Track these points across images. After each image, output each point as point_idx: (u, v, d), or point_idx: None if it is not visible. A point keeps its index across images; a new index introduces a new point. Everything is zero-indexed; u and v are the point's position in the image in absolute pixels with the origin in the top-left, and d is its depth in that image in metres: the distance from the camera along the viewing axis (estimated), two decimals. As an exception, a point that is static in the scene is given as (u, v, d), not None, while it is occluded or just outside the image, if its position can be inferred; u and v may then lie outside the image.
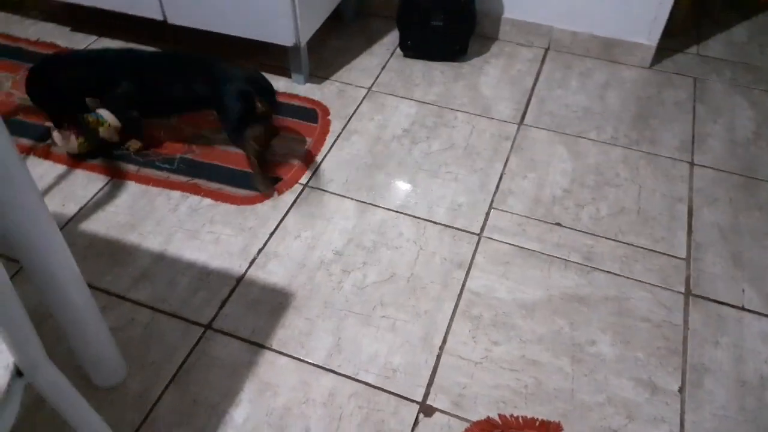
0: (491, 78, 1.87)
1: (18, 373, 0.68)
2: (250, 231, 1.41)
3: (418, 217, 1.45)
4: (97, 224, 1.42)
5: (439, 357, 1.18)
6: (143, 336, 1.21)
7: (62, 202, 1.47)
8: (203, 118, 1.68)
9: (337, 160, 1.60)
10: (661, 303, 1.28)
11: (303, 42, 1.71)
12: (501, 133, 1.68)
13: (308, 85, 1.82)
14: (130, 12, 1.80)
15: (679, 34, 2.02)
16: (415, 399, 1.12)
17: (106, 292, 1.28)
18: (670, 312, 1.26)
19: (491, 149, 1.63)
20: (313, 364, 1.17)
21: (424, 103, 1.78)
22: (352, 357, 1.18)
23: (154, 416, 1.09)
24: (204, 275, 1.32)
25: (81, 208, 1.46)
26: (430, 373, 1.16)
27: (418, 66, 1.91)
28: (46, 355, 0.71)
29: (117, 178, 1.53)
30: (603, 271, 1.34)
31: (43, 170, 1.54)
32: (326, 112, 1.74)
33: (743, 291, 1.31)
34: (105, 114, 1.55)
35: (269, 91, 1.50)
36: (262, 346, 1.20)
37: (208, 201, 1.48)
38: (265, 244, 1.39)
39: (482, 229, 1.43)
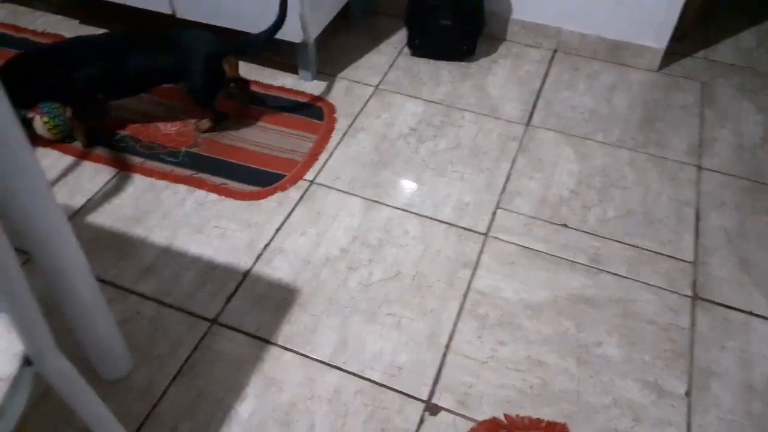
0: (499, 78, 1.86)
1: (27, 361, 0.68)
2: (256, 226, 1.41)
3: (424, 216, 1.45)
4: (104, 217, 1.42)
5: (444, 356, 1.18)
6: (149, 329, 1.21)
7: (69, 194, 1.47)
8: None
9: (343, 157, 1.59)
10: (667, 306, 1.28)
11: (311, 39, 1.71)
12: (508, 134, 1.68)
13: (315, 82, 1.82)
14: (139, 5, 1.80)
15: (688, 38, 2.01)
16: (420, 397, 1.12)
17: (112, 285, 1.28)
18: (677, 315, 1.26)
19: (498, 149, 1.63)
20: (319, 361, 1.17)
21: (431, 102, 1.77)
22: (357, 354, 1.18)
23: (159, 410, 1.09)
24: (210, 270, 1.32)
25: (88, 201, 1.46)
26: (435, 371, 1.16)
27: (426, 65, 1.90)
28: (55, 344, 0.70)
29: (123, 171, 1.53)
30: (609, 273, 1.34)
31: (50, 162, 1.54)
32: (332, 109, 1.74)
33: (750, 295, 1.30)
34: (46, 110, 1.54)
35: (234, 50, 1.56)
36: (268, 342, 1.20)
37: (214, 196, 1.47)
38: (270, 240, 1.38)
39: (488, 228, 1.42)
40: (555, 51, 1.98)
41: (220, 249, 1.36)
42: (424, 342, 1.20)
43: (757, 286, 1.32)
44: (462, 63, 1.91)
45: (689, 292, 1.31)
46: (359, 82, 1.83)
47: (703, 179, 1.56)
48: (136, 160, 1.56)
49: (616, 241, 1.40)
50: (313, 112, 1.72)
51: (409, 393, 1.12)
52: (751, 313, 1.27)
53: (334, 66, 1.88)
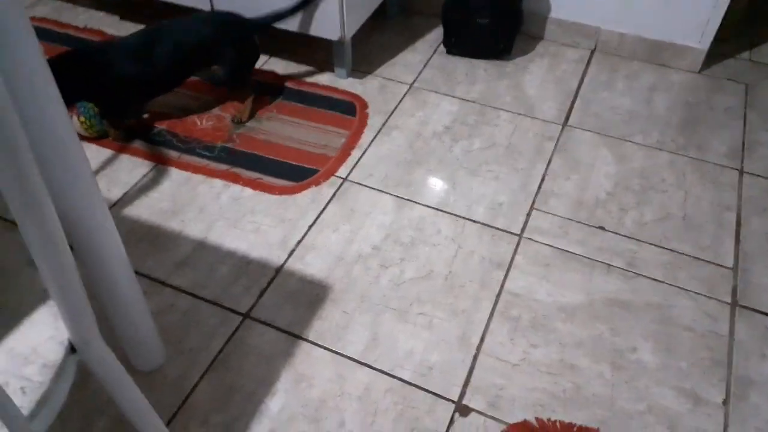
0: (535, 78, 1.84)
1: (72, 349, 0.69)
2: (289, 222, 1.42)
3: (457, 215, 1.44)
4: (140, 209, 1.44)
5: (475, 357, 1.17)
6: (182, 322, 1.22)
7: (107, 187, 1.49)
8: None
9: (377, 154, 1.59)
10: (705, 312, 1.25)
11: (348, 36, 1.71)
12: (544, 134, 1.65)
13: (350, 79, 1.82)
14: (178, 2, 1.82)
15: (731, 38, 1.96)
16: (450, 398, 1.11)
17: (148, 277, 1.30)
18: (715, 322, 1.23)
19: (534, 149, 1.61)
20: (350, 358, 1.17)
21: (466, 100, 1.76)
22: (388, 352, 1.18)
23: (190, 402, 1.10)
24: (244, 264, 1.33)
25: (125, 193, 1.48)
26: (466, 372, 1.15)
27: (461, 63, 1.89)
28: (98, 332, 0.72)
29: (160, 164, 1.55)
30: (646, 277, 1.31)
31: (89, 155, 1.57)
32: (366, 106, 1.74)
33: (793, 304, 1.27)
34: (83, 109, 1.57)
35: (268, 21, 1.62)
36: (299, 337, 1.20)
37: (248, 190, 1.49)
38: (303, 236, 1.39)
39: (523, 229, 1.41)
40: (593, 51, 1.94)
41: (254, 243, 1.37)
42: (455, 342, 1.19)
43: (801, 295, 1.28)
44: (498, 62, 1.90)
45: (729, 299, 1.27)
46: (394, 80, 1.83)
47: (745, 183, 1.52)
48: (173, 154, 1.58)
49: (654, 245, 1.37)
50: (347, 109, 1.72)
51: (440, 393, 1.12)
52: (794, 323, 1.23)
53: (370, 64, 1.88)
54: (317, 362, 1.16)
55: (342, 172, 1.54)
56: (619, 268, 1.33)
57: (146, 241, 1.38)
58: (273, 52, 1.90)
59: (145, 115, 1.68)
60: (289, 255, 1.35)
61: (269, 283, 1.30)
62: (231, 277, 1.31)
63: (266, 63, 1.87)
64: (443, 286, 1.29)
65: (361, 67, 1.87)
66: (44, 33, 1.97)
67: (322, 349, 1.18)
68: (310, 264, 1.34)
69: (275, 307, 1.25)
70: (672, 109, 1.74)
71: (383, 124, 1.68)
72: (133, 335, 1.09)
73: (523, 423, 1.08)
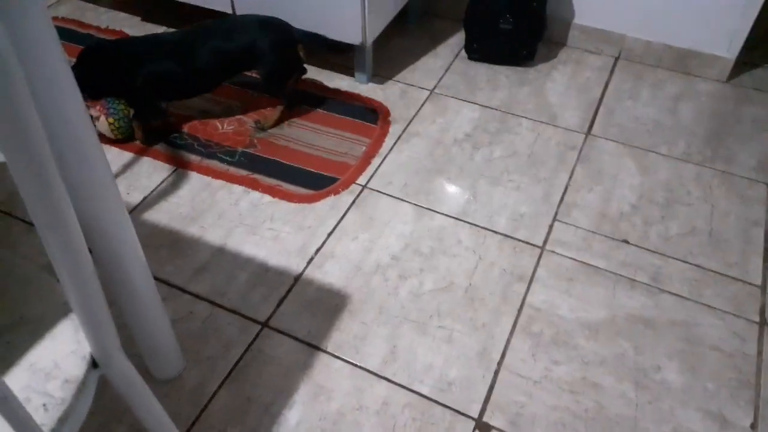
0: (558, 85, 1.81)
1: (93, 364, 0.68)
2: (308, 230, 1.41)
3: (478, 226, 1.42)
4: (160, 214, 1.44)
5: (496, 373, 1.15)
6: (201, 330, 1.22)
7: (127, 191, 1.49)
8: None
9: (396, 162, 1.58)
10: (733, 331, 1.22)
11: (369, 41, 1.69)
12: (567, 143, 1.63)
13: (371, 84, 1.81)
14: (200, 4, 1.82)
15: (759, 47, 1.92)
16: (470, 415, 1.09)
17: (166, 283, 1.30)
18: (743, 342, 1.20)
19: (556, 159, 1.58)
20: (368, 371, 1.16)
21: (487, 107, 1.74)
22: (407, 366, 1.16)
23: (208, 412, 1.10)
24: (263, 272, 1.32)
25: (145, 198, 1.48)
26: (487, 388, 1.13)
27: (483, 69, 1.87)
28: (120, 346, 0.71)
29: (181, 168, 1.55)
30: (671, 293, 1.28)
31: (110, 158, 1.57)
32: (387, 113, 1.72)
33: (823, 325, 1.23)
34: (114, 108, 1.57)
35: (311, 37, 1.61)
36: (318, 348, 1.19)
37: (268, 197, 1.48)
38: (322, 244, 1.38)
39: (545, 241, 1.39)
40: (617, 58, 1.91)
41: (273, 251, 1.36)
42: (475, 357, 1.18)
43: (832, 316, 1.25)
44: (520, 68, 1.87)
45: (757, 318, 1.24)
46: (415, 86, 1.81)
47: (773, 198, 1.49)
48: (194, 158, 1.58)
49: (679, 260, 1.35)
50: (368, 116, 1.71)
51: (460, 409, 1.10)
52: (824, 344, 1.20)
53: (390, 69, 1.87)
54: (335, 374, 1.15)
55: (362, 179, 1.53)
56: (643, 283, 1.30)
57: (166, 246, 1.37)
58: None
59: (171, 118, 1.67)
60: (308, 263, 1.34)
61: (288, 292, 1.29)
62: (249, 285, 1.30)
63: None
64: (463, 298, 1.28)
65: (382, 72, 1.85)
66: (66, 33, 1.98)
67: (340, 361, 1.17)
68: (329, 273, 1.33)
69: (294, 317, 1.24)
70: (698, 119, 1.70)
71: (403, 131, 1.66)
72: (152, 343, 1.09)
73: (544, 442, 1.06)
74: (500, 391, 1.13)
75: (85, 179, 0.79)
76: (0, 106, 0.45)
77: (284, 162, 1.56)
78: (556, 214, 1.45)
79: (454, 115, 1.71)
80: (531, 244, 1.38)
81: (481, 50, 1.87)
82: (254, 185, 1.51)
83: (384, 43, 1.93)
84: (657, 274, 1.32)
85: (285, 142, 1.62)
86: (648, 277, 1.31)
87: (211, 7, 1.80)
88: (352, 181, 1.53)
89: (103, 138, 1.61)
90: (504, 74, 1.85)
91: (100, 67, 1.48)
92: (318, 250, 1.37)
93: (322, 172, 1.54)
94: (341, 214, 1.44)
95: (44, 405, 0.63)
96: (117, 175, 1.53)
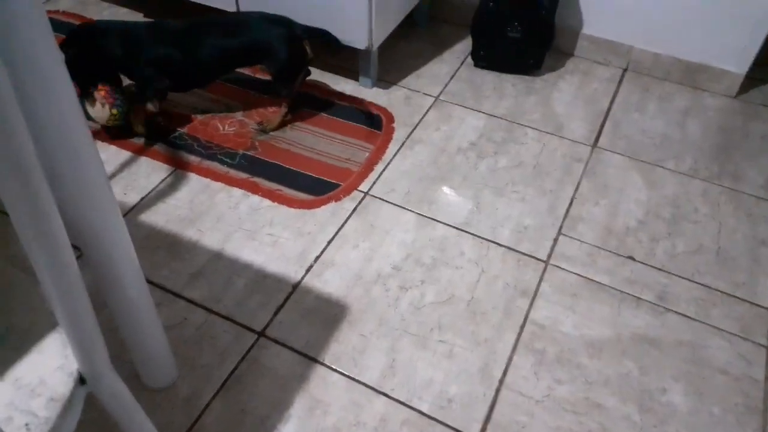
0: (565, 95, 1.79)
1: (81, 380, 0.65)
2: (308, 236, 1.38)
3: (481, 237, 1.39)
4: (157, 216, 1.41)
5: (498, 391, 1.12)
6: (195, 337, 1.19)
7: (124, 191, 1.46)
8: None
9: (399, 169, 1.55)
10: (740, 354, 1.19)
11: (375, 46, 1.66)
12: (573, 155, 1.60)
13: (375, 89, 1.78)
14: (204, 2, 1.79)
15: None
16: (470, 433, 1.07)
17: (161, 288, 1.27)
18: (751, 365, 1.17)
19: (562, 170, 1.56)
20: (366, 385, 1.13)
21: (493, 116, 1.71)
22: (406, 381, 1.13)
23: (201, 423, 1.06)
24: (260, 278, 1.29)
25: (142, 198, 1.45)
26: (487, 407, 1.10)
27: (489, 77, 1.84)
28: (110, 364, 0.68)
29: (180, 169, 1.52)
30: (677, 313, 1.26)
31: (107, 156, 1.54)
32: (391, 119, 1.69)
33: (832, 350, 1.21)
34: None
35: (316, 33, 1.57)
36: (315, 360, 1.16)
37: (267, 202, 1.45)
38: (322, 252, 1.35)
39: (549, 255, 1.36)
40: (625, 69, 1.89)
41: (272, 257, 1.33)
42: (476, 374, 1.15)
43: (841, 341, 1.22)
44: (527, 77, 1.85)
45: (764, 341, 1.22)
46: (419, 92, 1.78)
47: (782, 217, 1.46)
48: (193, 159, 1.55)
49: (686, 278, 1.32)
50: (372, 121, 1.68)
51: (459, 428, 1.07)
52: (832, 370, 1.18)
53: (395, 74, 1.84)
54: (332, 388, 1.12)
55: (363, 186, 1.50)
56: (648, 301, 1.27)
57: (162, 249, 1.34)
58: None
59: (160, 118, 1.63)
60: (307, 271, 1.31)
61: (286, 300, 1.26)
62: (247, 292, 1.27)
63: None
64: (465, 312, 1.25)
65: (387, 77, 1.82)
66: (66, 27, 1.94)
67: (337, 374, 1.14)
68: (328, 281, 1.29)
69: (291, 326, 1.21)
70: (706, 134, 1.68)
71: (407, 137, 1.64)
72: (145, 350, 1.06)
73: (545, 464, 1.03)
74: (501, 410, 1.10)
75: (75, 175, 0.74)
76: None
77: (285, 166, 1.53)
78: (561, 227, 1.42)
79: (459, 123, 1.69)
80: (535, 258, 1.35)
81: (487, 58, 1.84)
82: (254, 189, 1.48)
83: (389, 47, 1.90)
84: (663, 293, 1.29)
85: (286, 145, 1.59)
86: (654, 296, 1.28)
87: (214, 5, 1.77)
88: (353, 187, 1.50)
89: (99, 134, 1.57)
90: (510, 83, 1.83)
91: (103, 47, 1.46)
92: (317, 257, 1.34)
93: (324, 178, 1.51)
94: (342, 221, 1.41)
95: (26, 425, 0.60)
96: (114, 175, 1.50)
